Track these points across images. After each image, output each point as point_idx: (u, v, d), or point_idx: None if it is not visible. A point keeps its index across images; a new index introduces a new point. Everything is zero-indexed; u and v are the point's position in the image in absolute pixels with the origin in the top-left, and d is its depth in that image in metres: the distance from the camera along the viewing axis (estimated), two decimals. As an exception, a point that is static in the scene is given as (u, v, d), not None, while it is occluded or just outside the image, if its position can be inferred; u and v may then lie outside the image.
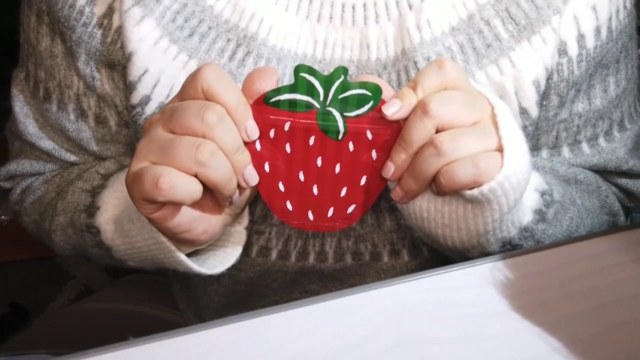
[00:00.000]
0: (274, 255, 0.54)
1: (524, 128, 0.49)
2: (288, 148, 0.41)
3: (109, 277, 1.41)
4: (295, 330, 0.37)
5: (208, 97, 0.38)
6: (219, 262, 0.47)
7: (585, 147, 0.56)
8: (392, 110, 0.39)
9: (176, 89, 0.48)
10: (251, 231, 0.53)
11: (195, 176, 0.38)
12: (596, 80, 0.53)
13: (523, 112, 0.48)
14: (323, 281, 0.56)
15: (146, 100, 0.49)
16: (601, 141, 0.56)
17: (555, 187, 0.50)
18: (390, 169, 0.41)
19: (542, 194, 0.47)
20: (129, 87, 0.49)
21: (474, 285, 0.41)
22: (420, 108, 0.39)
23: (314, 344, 0.37)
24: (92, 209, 0.51)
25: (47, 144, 0.57)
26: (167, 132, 0.39)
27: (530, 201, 0.47)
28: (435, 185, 0.40)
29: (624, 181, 0.59)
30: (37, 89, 0.55)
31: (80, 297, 1.36)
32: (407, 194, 0.41)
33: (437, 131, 0.39)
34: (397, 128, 0.40)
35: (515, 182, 0.40)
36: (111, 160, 0.56)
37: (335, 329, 0.38)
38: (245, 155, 0.40)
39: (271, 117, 0.40)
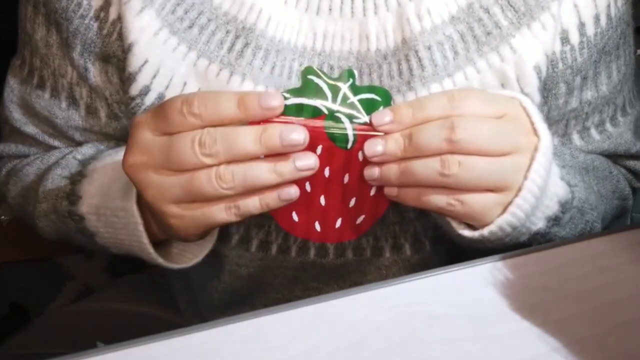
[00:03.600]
0: (274, 249, 0.54)
1: None
2: None
3: (109, 277, 1.41)
4: (296, 330, 0.37)
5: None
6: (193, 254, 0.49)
7: (594, 133, 0.57)
8: (381, 120, 0.39)
9: (175, 80, 0.49)
10: (251, 224, 0.53)
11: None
12: (601, 68, 0.54)
13: None
14: (324, 278, 0.56)
15: (146, 90, 0.49)
16: (608, 126, 0.57)
17: (576, 194, 0.49)
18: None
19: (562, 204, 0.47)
20: (128, 79, 0.49)
21: (474, 285, 0.41)
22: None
23: (314, 344, 0.37)
24: (73, 197, 0.51)
25: (30, 129, 0.58)
26: (171, 174, 0.39)
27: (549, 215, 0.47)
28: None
29: (631, 163, 0.61)
30: (32, 76, 0.56)
31: (80, 297, 1.36)
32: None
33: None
34: None
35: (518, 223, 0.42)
36: (88, 145, 0.57)
37: (335, 329, 0.38)
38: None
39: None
